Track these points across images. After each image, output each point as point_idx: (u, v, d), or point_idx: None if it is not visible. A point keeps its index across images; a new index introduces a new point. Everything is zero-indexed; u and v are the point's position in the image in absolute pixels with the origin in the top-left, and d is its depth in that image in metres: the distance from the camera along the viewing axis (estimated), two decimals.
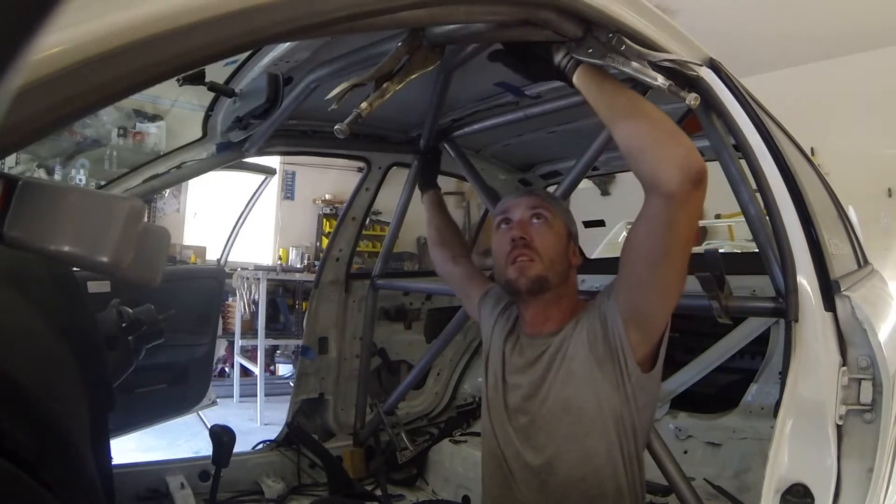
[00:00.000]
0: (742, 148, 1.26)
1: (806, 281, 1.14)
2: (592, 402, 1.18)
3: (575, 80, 1.08)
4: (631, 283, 1.15)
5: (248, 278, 5.96)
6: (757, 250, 1.32)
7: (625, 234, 5.43)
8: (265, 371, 5.67)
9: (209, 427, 1.96)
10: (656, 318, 1.15)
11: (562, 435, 1.20)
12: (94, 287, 1.91)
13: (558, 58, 1.08)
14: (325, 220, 7.61)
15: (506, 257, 1.28)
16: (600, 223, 5.04)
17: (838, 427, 1.08)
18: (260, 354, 5.50)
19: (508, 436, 1.29)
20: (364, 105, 0.99)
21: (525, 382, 1.28)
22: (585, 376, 1.19)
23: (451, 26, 1.03)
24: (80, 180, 4.60)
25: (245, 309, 5.94)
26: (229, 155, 1.95)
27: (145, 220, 0.59)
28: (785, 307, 1.16)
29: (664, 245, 1.06)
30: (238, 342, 5.86)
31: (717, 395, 2.40)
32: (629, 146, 1.05)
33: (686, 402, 2.41)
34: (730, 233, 6.28)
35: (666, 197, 1.00)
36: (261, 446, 2.44)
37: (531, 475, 1.23)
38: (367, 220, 2.68)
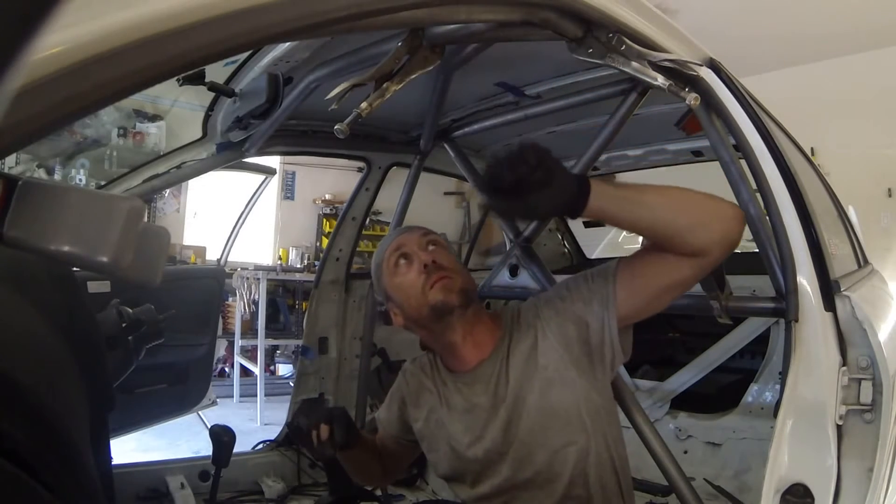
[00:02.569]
0: (742, 148, 1.26)
1: (806, 281, 1.14)
2: (574, 403, 1.18)
3: (592, 200, 0.98)
4: (644, 299, 1.15)
5: (248, 278, 5.96)
6: (757, 250, 1.32)
7: (625, 233, 5.43)
8: (265, 371, 5.68)
9: (209, 427, 1.96)
10: (650, 315, 1.19)
11: (554, 442, 1.19)
12: (94, 287, 1.91)
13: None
14: (325, 220, 7.60)
15: (423, 286, 1.23)
16: (600, 223, 5.04)
17: (838, 427, 1.08)
18: (260, 354, 5.51)
19: (497, 476, 1.24)
20: (364, 105, 0.99)
21: (502, 413, 1.22)
22: (563, 380, 1.19)
23: (452, 26, 1.03)
24: (80, 180, 4.60)
25: (245, 309, 5.94)
26: (229, 155, 1.95)
27: (145, 220, 0.59)
28: (785, 307, 1.16)
29: (696, 281, 1.13)
30: (238, 342, 5.86)
31: (717, 395, 2.40)
32: (691, 221, 1.03)
33: (686, 402, 2.41)
34: None
35: (731, 247, 1.06)
36: (261, 446, 2.44)
37: (533, 487, 1.22)
38: (367, 220, 2.68)
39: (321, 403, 1.32)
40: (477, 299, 1.30)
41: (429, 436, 1.35)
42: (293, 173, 7.55)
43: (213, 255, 5.70)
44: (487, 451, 1.24)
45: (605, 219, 1.06)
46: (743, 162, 1.28)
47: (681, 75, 1.17)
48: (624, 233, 5.41)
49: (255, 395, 5.20)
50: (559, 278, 1.55)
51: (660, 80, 1.06)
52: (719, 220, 1.04)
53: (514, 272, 1.91)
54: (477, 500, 1.29)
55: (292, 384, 2.84)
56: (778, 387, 1.50)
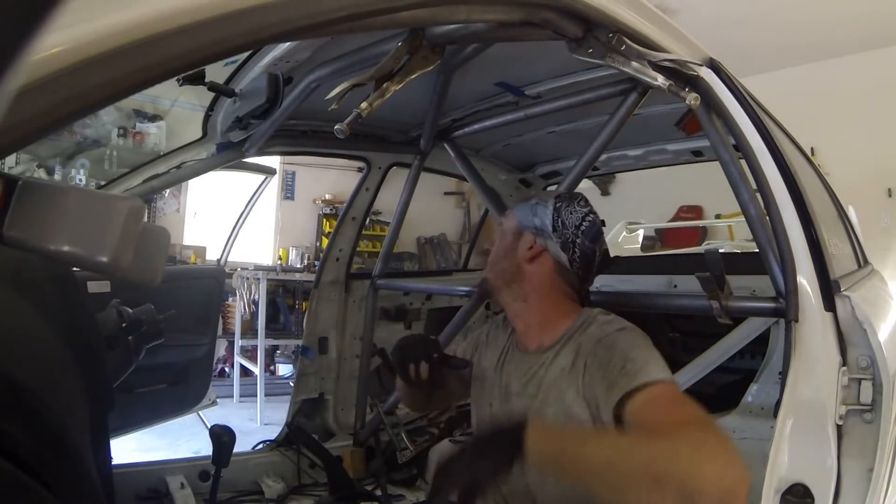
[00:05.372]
0: (742, 148, 1.26)
1: (806, 281, 1.14)
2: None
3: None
4: None
5: (248, 278, 5.96)
6: (757, 250, 1.32)
7: (625, 234, 5.42)
8: (265, 371, 5.68)
9: (209, 427, 1.95)
10: None
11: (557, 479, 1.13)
12: (94, 287, 1.91)
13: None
14: (325, 220, 7.61)
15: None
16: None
17: (838, 427, 1.08)
18: (260, 354, 5.51)
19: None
20: (364, 105, 0.99)
21: (519, 410, 1.21)
22: (565, 417, 1.14)
23: (452, 26, 1.03)
24: (80, 180, 4.60)
25: (245, 309, 5.94)
26: (229, 155, 1.95)
27: (145, 220, 0.59)
28: (785, 307, 1.16)
29: None
30: (238, 342, 5.86)
31: (717, 395, 2.40)
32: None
33: None
34: (730, 233, 6.28)
35: None
36: (261, 446, 2.44)
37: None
38: (367, 220, 2.68)
39: (419, 339, 1.34)
40: (503, 285, 1.27)
41: (479, 386, 1.36)
42: (293, 173, 7.55)
43: (213, 255, 5.71)
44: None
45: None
46: (743, 162, 1.28)
47: (681, 75, 1.17)
48: (624, 232, 5.42)
49: (255, 395, 5.20)
50: None
51: (660, 80, 1.06)
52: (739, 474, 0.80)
53: None
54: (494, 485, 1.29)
55: (292, 384, 2.84)
56: (778, 387, 1.50)
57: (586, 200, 1.29)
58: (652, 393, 1.00)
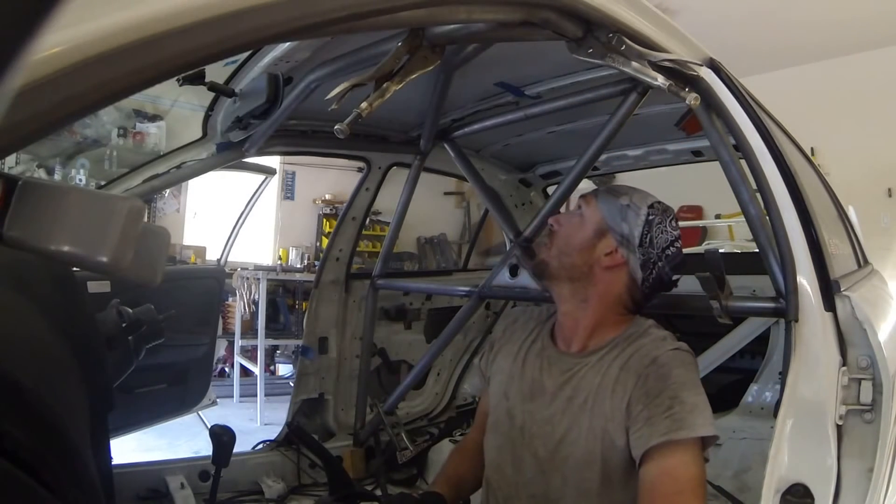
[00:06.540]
0: (742, 148, 1.26)
1: (806, 281, 1.14)
2: (604, 457, 1.12)
3: None
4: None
5: (248, 278, 5.96)
6: (757, 250, 1.32)
7: None
8: (265, 371, 5.68)
9: (209, 427, 1.95)
10: None
11: (581, 489, 1.12)
12: (94, 287, 1.91)
13: None
14: (325, 220, 7.61)
15: None
16: None
17: (838, 427, 1.08)
18: (260, 354, 5.51)
19: (520, 461, 1.21)
20: (364, 105, 0.99)
21: (552, 411, 1.18)
22: (601, 428, 1.13)
23: (452, 26, 1.03)
24: (80, 180, 4.61)
25: (245, 309, 5.94)
26: (229, 155, 1.95)
27: (145, 220, 0.59)
28: (785, 307, 1.16)
29: None
30: (238, 342, 5.87)
31: (717, 395, 2.40)
32: None
33: None
34: (730, 233, 6.29)
35: None
36: (261, 446, 2.43)
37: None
38: (367, 220, 2.68)
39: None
40: (563, 278, 1.22)
41: (494, 381, 1.33)
42: (293, 173, 7.55)
43: (213, 255, 5.71)
44: (522, 431, 1.22)
45: None
46: (743, 162, 1.28)
47: (681, 75, 1.17)
48: None
49: (255, 395, 5.21)
50: None
51: (660, 80, 1.06)
52: None
53: (514, 272, 1.91)
54: (505, 482, 1.27)
55: (292, 384, 2.84)
56: (778, 387, 1.50)
57: (677, 220, 1.25)
58: (675, 460, 1.02)
